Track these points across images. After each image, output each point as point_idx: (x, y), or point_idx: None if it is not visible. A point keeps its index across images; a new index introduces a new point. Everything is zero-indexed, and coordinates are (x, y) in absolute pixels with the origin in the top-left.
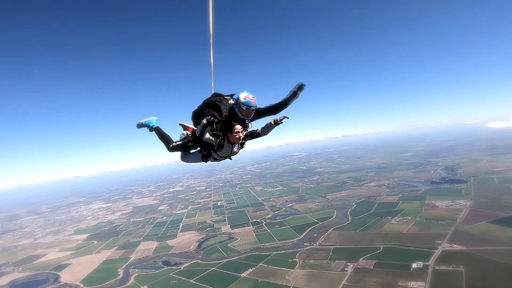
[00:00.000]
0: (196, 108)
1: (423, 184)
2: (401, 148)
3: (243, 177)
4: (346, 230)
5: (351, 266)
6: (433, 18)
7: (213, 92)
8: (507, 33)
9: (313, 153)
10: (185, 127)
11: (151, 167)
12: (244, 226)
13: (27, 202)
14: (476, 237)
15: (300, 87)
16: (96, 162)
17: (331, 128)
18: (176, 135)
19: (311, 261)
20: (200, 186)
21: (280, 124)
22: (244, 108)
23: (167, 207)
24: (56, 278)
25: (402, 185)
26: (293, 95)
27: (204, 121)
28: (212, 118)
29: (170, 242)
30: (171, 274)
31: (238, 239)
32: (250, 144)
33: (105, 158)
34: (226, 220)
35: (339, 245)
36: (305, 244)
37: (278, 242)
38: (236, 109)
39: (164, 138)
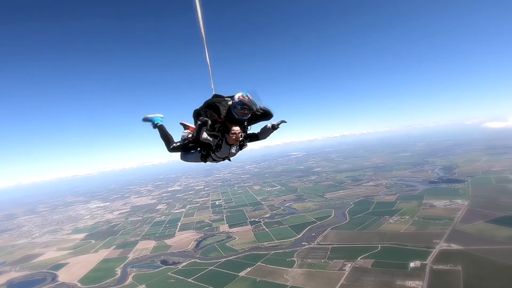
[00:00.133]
0: (198, 108)
1: (421, 183)
2: (399, 148)
3: (242, 176)
4: (344, 230)
5: (349, 265)
6: (433, 18)
7: (213, 93)
8: (506, 33)
9: (311, 153)
10: (185, 126)
11: (149, 166)
12: (242, 225)
13: (24, 201)
14: (473, 237)
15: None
16: (94, 161)
17: (329, 127)
18: (176, 135)
19: (309, 260)
20: (198, 186)
21: (278, 129)
22: (238, 108)
23: (165, 206)
24: (54, 278)
25: (400, 185)
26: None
27: (198, 121)
28: (206, 118)
29: (168, 241)
30: (169, 273)
31: (236, 238)
32: (249, 145)
33: (103, 157)
34: (224, 219)
35: (337, 244)
36: (303, 243)
37: (276, 241)
38: (233, 110)
39: (166, 137)
